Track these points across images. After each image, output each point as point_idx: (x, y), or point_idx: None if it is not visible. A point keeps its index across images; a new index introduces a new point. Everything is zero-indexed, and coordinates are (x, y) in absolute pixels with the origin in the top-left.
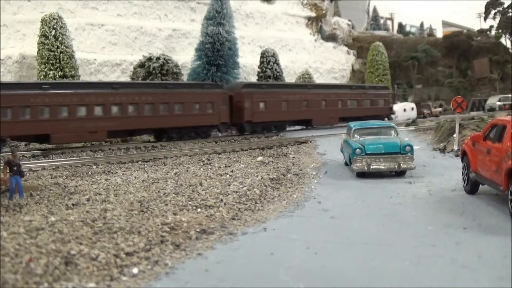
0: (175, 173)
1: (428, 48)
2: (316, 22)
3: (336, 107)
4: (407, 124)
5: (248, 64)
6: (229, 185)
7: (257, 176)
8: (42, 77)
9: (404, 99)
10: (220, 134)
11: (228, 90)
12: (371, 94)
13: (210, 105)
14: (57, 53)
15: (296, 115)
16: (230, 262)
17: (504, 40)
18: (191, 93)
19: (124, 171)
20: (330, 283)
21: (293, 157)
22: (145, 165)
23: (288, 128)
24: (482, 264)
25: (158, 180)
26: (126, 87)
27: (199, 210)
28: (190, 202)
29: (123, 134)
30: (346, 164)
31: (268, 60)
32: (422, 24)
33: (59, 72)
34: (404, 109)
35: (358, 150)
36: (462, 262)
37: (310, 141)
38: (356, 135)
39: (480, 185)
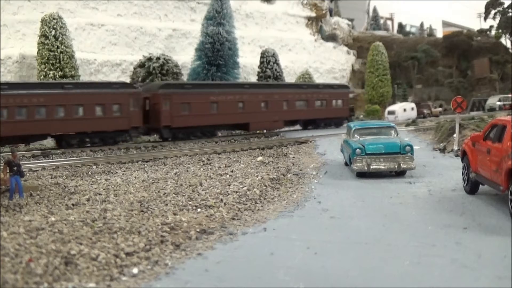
0: (175, 173)
1: (428, 48)
2: (316, 22)
3: (281, 109)
4: (407, 124)
5: (248, 64)
6: (229, 185)
7: (257, 176)
8: (42, 77)
9: (404, 99)
10: (131, 141)
11: (145, 91)
12: (326, 94)
13: (118, 107)
14: (57, 53)
15: (229, 119)
16: (230, 262)
17: (504, 40)
18: (94, 94)
19: (124, 171)
20: (330, 283)
21: (293, 157)
22: (145, 165)
23: (220, 134)
24: (482, 264)
25: (158, 180)
26: (14, 88)
27: (199, 210)
28: (190, 202)
29: (13, 141)
30: (346, 164)
31: (268, 60)
32: (422, 24)
33: (59, 72)
34: (404, 109)
35: (358, 150)
36: (462, 262)
37: (310, 141)
38: (356, 135)
39: (480, 185)
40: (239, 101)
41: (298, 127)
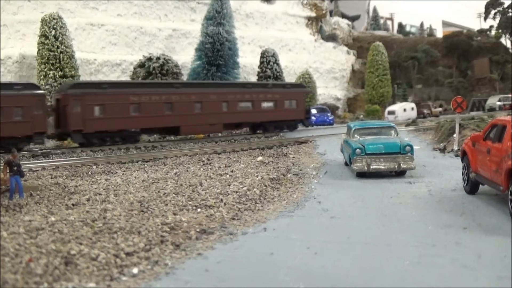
0: (175, 173)
1: (428, 48)
2: (316, 22)
3: (219, 111)
4: (407, 124)
5: (248, 64)
6: (229, 185)
7: (257, 176)
8: (42, 77)
9: (404, 99)
10: (36, 148)
11: (57, 92)
12: (276, 94)
13: (19, 111)
14: (57, 53)
15: (154, 122)
16: (230, 262)
17: (504, 40)
18: None
19: (124, 171)
20: (330, 283)
21: (293, 157)
22: (145, 165)
23: (144, 138)
24: (482, 264)
25: (158, 180)
26: None
27: (199, 210)
28: (190, 202)
29: None
30: (346, 164)
31: (268, 60)
32: (422, 24)
33: (59, 72)
34: (404, 109)
35: (358, 150)
36: (462, 262)
37: (310, 141)
38: (356, 135)
39: (480, 185)
40: (166, 102)
41: (301, 127)
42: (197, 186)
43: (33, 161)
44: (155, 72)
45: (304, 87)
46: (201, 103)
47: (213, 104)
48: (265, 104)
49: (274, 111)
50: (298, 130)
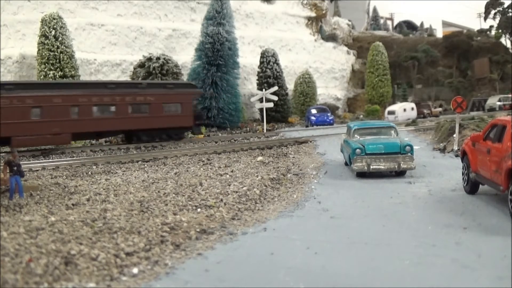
0: (175, 173)
1: (428, 48)
2: (316, 22)
3: (66, 118)
4: (407, 124)
5: (248, 64)
6: (229, 185)
7: (257, 176)
8: (42, 77)
9: (404, 99)
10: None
11: None
12: (151, 96)
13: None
14: (57, 53)
15: None
16: (230, 262)
17: (504, 40)
18: None
19: (124, 171)
20: (330, 283)
21: (293, 157)
22: (145, 165)
23: None
24: (482, 264)
25: (158, 180)
26: None
27: (199, 210)
28: (190, 202)
29: None
30: (346, 164)
31: (268, 60)
32: (422, 24)
33: (59, 72)
34: (404, 109)
35: (358, 150)
36: (462, 262)
37: (310, 141)
38: (356, 135)
39: (480, 185)
40: None
41: (298, 126)
42: (197, 186)
43: (33, 161)
44: (155, 72)
45: (194, 87)
46: (41, 108)
47: (57, 109)
48: (134, 109)
49: (149, 117)
50: (298, 130)
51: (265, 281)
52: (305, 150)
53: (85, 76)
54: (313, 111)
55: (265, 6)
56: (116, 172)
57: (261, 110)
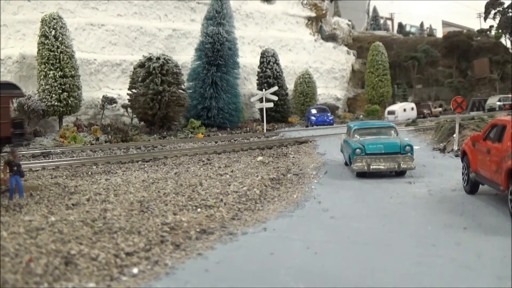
0: (175, 173)
1: (428, 48)
2: (316, 22)
3: None
4: (407, 124)
5: (248, 64)
6: (229, 185)
7: (257, 176)
8: (42, 77)
9: (404, 99)
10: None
11: None
12: None
13: None
14: (57, 53)
15: None
16: (230, 262)
17: (504, 40)
18: None
19: (124, 171)
20: (330, 283)
21: (293, 157)
22: (145, 165)
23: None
24: (482, 264)
25: (158, 180)
26: None
27: (199, 210)
28: (190, 202)
29: None
30: (346, 164)
31: (268, 60)
32: (422, 24)
33: (59, 72)
34: (404, 109)
35: (358, 150)
36: (462, 262)
37: (310, 141)
38: (356, 135)
39: (480, 185)
40: None
41: (298, 126)
42: (197, 186)
43: (33, 161)
44: (155, 72)
45: (15, 88)
46: None
47: None
48: None
49: None
50: (298, 130)
51: (265, 281)
52: (305, 150)
53: (85, 76)
54: (313, 111)
55: (265, 6)
56: (116, 172)
57: (261, 110)
